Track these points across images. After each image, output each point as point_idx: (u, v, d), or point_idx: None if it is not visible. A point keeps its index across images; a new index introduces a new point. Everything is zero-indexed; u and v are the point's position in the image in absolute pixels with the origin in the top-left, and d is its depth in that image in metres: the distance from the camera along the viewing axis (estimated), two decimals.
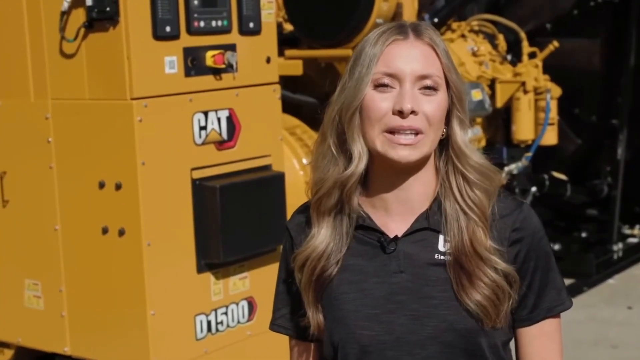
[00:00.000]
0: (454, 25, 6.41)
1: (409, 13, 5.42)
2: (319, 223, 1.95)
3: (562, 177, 6.93)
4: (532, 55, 6.39)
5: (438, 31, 1.98)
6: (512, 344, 1.99)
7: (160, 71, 3.81)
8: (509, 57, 6.52)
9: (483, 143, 6.23)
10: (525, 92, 6.21)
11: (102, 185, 3.84)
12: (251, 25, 4.11)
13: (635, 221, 7.63)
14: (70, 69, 3.90)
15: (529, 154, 6.26)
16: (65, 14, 3.85)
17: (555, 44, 6.26)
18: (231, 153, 4.07)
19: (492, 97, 6.20)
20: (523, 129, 6.26)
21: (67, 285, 4.05)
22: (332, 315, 1.94)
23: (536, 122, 6.28)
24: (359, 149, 1.89)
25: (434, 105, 1.87)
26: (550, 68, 6.33)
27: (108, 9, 3.71)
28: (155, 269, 3.81)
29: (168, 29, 3.80)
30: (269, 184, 4.17)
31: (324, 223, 1.95)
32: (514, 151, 6.33)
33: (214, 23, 3.98)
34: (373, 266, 1.92)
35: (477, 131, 6.13)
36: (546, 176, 6.67)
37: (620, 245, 7.09)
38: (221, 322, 4.07)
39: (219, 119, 4.02)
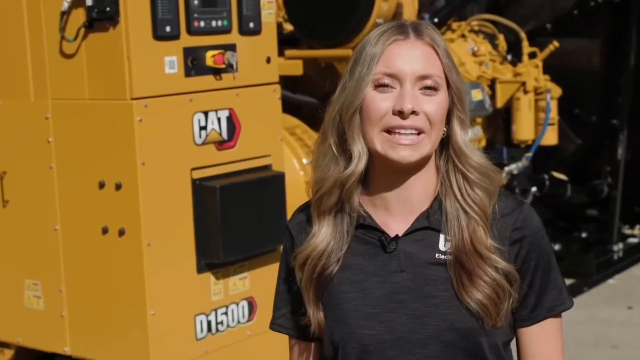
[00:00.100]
0: (454, 25, 6.41)
1: (409, 13, 5.42)
2: (320, 222, 1.95)
3: (562, 177, 6.93)
4: (532, 55, 6.39)
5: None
6: (513, 345, 1.99)
7: (160, 71, 3.81)
8: (509, 57, 6.52)
9: (483, 143, 6.23)
10: (526, 92, 6.21)
11: (102, 185, 3.84)
12: (251, 25, 4.11)
13: (635, 221, 7.63)
14: (70, 69, 3.90)
15: (529, 154, 6.26)
16: (65, 14, 3.85)
17: (556, 44, 6.26)
18: (231, 153, 4.07)
19: (492, 97, 6.20)
20: (523, 129, 6.26)
21: (67, 285, 4.05)
22: (332, 314, 1.94)
23: (536, 122, 6.28)
24: (359, 149, 1.89)
25: (434, 105, 1.87)
26: (551, 68, 6.33)
27: (108, 9, 3.71)
28: (155, 269, 3.81)
29: (168, 29, 3.80)
30: (269, 184, 4.17)
31: (324, 222, 1.95)
32: (514, 151, 6.33)
33: (214, 23, 3.97)
34: (374, 265, 1.93)
35: (478, 131, 6.14)
36: (546, 176, 6.67)
37: (620, 245, 7.09)
38: (221, 322, 4.07)
39: (219, 119, 4.02)
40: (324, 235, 1.94)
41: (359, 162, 1.90)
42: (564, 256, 6.81)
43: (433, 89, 1.88)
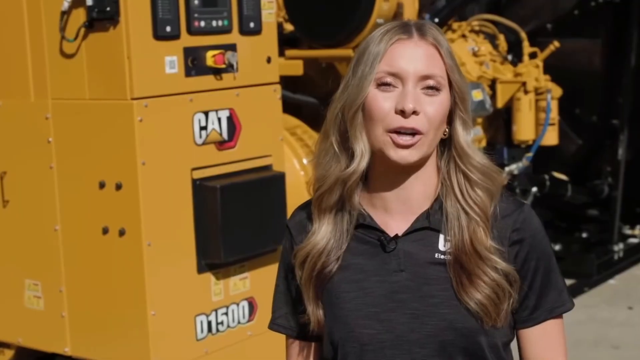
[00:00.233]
0: (455, 25, 6.41)
1: (410, 13, 5.42)
2: (320, 220, 1.96)
3: (563, 177, 6.93)
4: (532, 56, 6.38)
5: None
6: (514, 346, 1.98)
7: (161, 71, 3.80)
8: (509, 57, 6.51)
9: (484, 143, 6.22)
10: (526, 92, 6.20)
11: (102, 185, 3.84)
12: (252, 25, 4.11)
13: (636, 221, 7.63)
14: (71, 69, 3.90)
15: (530, 154, 6.26)
16: (65, 14, 3.85)
17: (556, 44, 6.26)
18: (232, 153, 4.07)
19: (493, 97, 6.20)
20: (524, 129, 6.26)
21: (67, 285, 4.04)
22: (332, 313, 1.94)
23: (537, 123, 6.28)
24: (361, 147, 1.89)
25: (435, 105, 1.87)
26: (551, 68, 6.33)
27: (108, 8, 3.70)
28: (155, 269, 3.80)
29: (168, 28, 3.80)
30: (270, 184, 4.17)
31: (324, 220, 1.95)
32: (515, 151, 6.33)
33: (214, 23, 3.97)
34: (373, 265, 1.93)
35: (478, 131, 6.13)
36: (547, 176, 6.66)
37: (621, 245, 7.08)
38: (221, 323, 4.07)
39: (219, 119, 4.02)
40: (324, 233, 1.94)
41: (361, 161, 1.90)
42: (564, 256, 6.80)
43: (435, 89, 1.88)
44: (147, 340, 3.80)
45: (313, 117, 5.15)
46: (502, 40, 6.51)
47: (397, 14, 5.31)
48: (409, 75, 1.86)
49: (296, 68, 5.43)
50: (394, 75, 1.87)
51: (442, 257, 1.90)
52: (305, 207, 2.04)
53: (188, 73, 3.89)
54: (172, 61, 3.84)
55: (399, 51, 1.88)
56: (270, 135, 4.25)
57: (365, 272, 1.93)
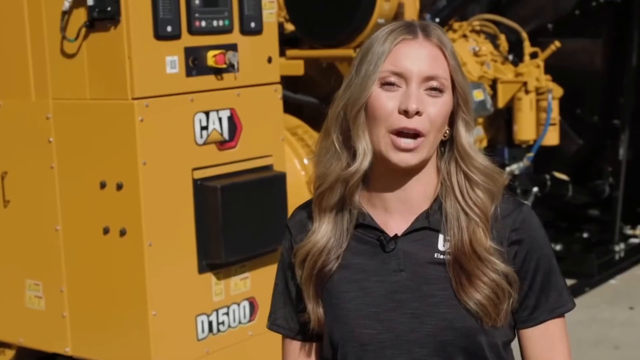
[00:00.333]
0: (456, 25, 6.41)
1: (411, 13, 5.41)
2: (321, 218, 1.96)
3: (564, 177, 6.93)
4: (533, 56, 6.38)
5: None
6: (515, 346, 1.98)
7: (162, 71, 3.80)
8: (510, 57, 6.52)
9: (485, 143, 6.22)
10: (527, 92, 6.21)
11: (103, 185, 3.84)
12: (252, 25, 4.11)
13: (637, 221, 7.62)
14: (72, 69, 3.90)
15: (531, 154, 6.26)
16: (66, 14, 3.85)
17: (557, 44, 6.26)
18: (232, 153, 4.07)
19: (494, 97, 6.20)
20: (525, 129, 6.26)
21: (68, 285, 4.04)
22: (332, 313, 1.94)
23: (538, 123, 6.28)
24: (363, 146, 1.89)
25: (438, 107, 1.88)
26: (552, 68, 6.33)
27: (109, 8, 3.70)
28: (156, 269, 3.80)
29: (169, 28, 3.80)
30: (271, 184, 4.17)
31: (325, 218, 1.95)
32: (516, 151, 6.33)
33: (215, 23, 3.97)
34: (373, 265, 1.93)
35: (479, 131, 6.13)
36: (548, 176, 6.66)
37: (622, 245, 7.08)
38: (222, 323, 4.07)
39: (220, 119, 4.01)
40: (325, 231, 1.95)
41: (364, 160, 1.89)
42: (565, 256, 6.80)
43: (438, 90, 1.88)
44: (148, 340, 3.80)
45: (314, 117, 5.15)
46: (503, 40, 6.51)
47: (398, 14, 5.31)
48: (413, 76, 1.86)
49: (297, 68, 5.43)
50: (398, 75, 1.87)
51: (442, 257, 1.90)
52: (305, 207, 2.04)
53: (189, 73, 3.89)
54: (173, 61, 3.83)
55: (404, 51, 1.88)
56: (271, 135, 4.25)
57: (365, 272, 1.93)
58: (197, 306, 3.97)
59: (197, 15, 3.89)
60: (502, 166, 6.09)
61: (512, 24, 6.49)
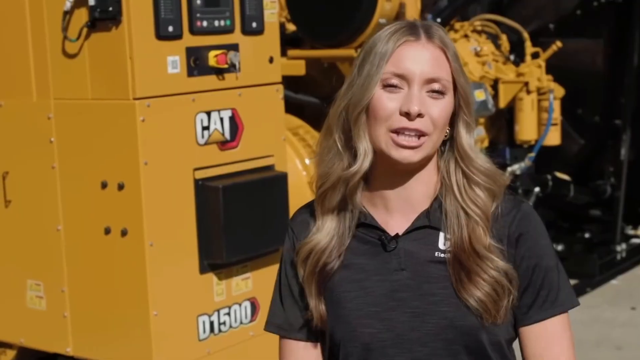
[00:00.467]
0: (457, 25, 6.41)
1: (412, 13, 5.41)
2: (323, 217, 1.97)
3: (565, 177, 6.92)
4: (535, 56, 6.38)
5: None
6: (516, 345, 1.98)
7: (163, 71, 3.80)
8: (512, 57, 6.51)
9: (486, 143, 6.22)
10: (528, 92, 6.20)
11: (104, 185, 3.84)
12: (254, 25, 4.11)
13: (638, 222, 7.62)
14: (73, 69, 3.90)
15: (532, 155, 6.25)
16: (67, 14, 3.85)
17: (559, 44, 6.25)
18: (234, 153, 4.07)
19: (495, 97, 6.20)
20: (526, 129, 6.26)
21: (69, 285, 4.04)
22: (334, 313, 1.95)
23: (539, 123, 6.28)
24: (364, 147, 1.90)
25: (440, 108, 1.89)
26: (554, 68, 6.33)
27: (111, 8, 3.70)
28: (157, 269, 3.80)
29: (171, 28, 3.79)
30: (272, 184, 4.16)
31: (327, 217, 1.96)
32: (517, 151, 6.33)
33: (216, 23, 3.97)
34: (374, 264, 1.94)
35: (480, 132, 6.13)
36: (549, 177, 6.66)
37: (623, 245, 7.07)
38: (224, 323, 4.06)
39: (221, 119, 4.01)
40: (327, 230, 1.96)
41: (365, 160, 1.90)
42: (567, 257, 6.80)
43: (440, 92, 1.89)
44: (150, 340, 3.80)
45: (315, 117, 5.15)
46: (504, 40, 6.51)
47: (400, 14, 5.31)
48: (415, 78, 1.87)
49: (298, 68, 5.43)
50: (400, 76, 1.88)
51: (442, 255, 1.91)
52: (307, 207, 2.05)
53: (190, 73, 3.89)
54: (174, 61, 3.83)
55: (406, 53, 1.88)
56: (273, 135, 4.25)
57: (366, 271, 1.94)
58: (199, 306, 3.97)
59: (198, 15, 3.89)
60: (504, 166, 6.09)
61: (514, 24, 6.49)
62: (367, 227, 1.96)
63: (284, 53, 5.13)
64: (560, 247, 6.97)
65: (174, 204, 3.86)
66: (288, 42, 5.46)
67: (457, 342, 1.88)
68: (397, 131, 1.86)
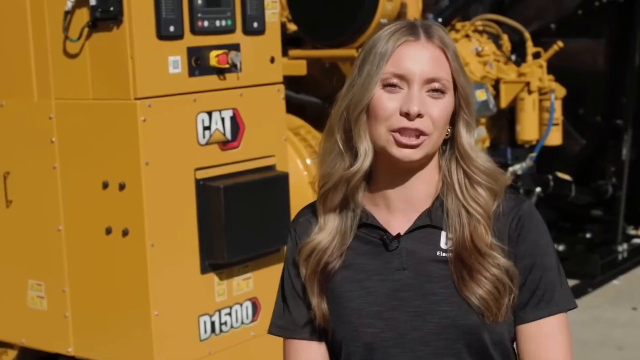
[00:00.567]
0: (458, 25, 6.41)
1: (413, 13, 5.41)
2: (325, 217, 1.98)
3: (567, 177, 6.92)
4: (536, 56, 6.38)
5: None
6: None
7: (164, 71, 3.80)
8: (513, 57, 6.51)
9: (487, 143, 6.22)
10: (530, 92, 6.20)
11: (105, 186, 3.83)
12: (255, 25, 4.10)
13: None
14: (74, 69, 3.90)
15: (533, 155, 6.25)
16: (68, 14, 3.85)
17: (560, 44, 6.25)
18: (235, 153, 4.06)
19: (497, 97, 6.19)
20: (527, 129, 6.25)
21: (70, 285, 4.04)
22: (335, 313, 1.95)
23: (540, 123, 6.27)
24: (365, 147, 1.91)
25: (440, 108, 1.89)
26: (555, 68, 6.32)
27: (112, 8, 3.70)
28: (159, 269, 3.80)
29: (172, 28, 3.79)
30: (273, 184, 4.16)
31: (329, 217, 1.97)
32: (518, 151, 6.32)
33: (217, 23, 3.97)
34: (376, 264, 1.94)
35: (482, 131, 6.13)
36: (550, 177, 6.66)
37: (625, 246, 7.07)
38: (225, 323, 4.06)
39: (222, 119, 4.01)
40: (329, 230, 1.96)
41: (365, 160, 1.91)
42: (568, 257, 6.79)
43: (440, 91, 1.90)
44: (151, 340, 3.80)
45: (316, 117, 5.15)
46: (505, 40, 6.51)
47: (401, 13, 5.31)
48: (415, 78, 1.88)
49: (300, 68, 5.43)
50: (400, 76, 1.88)
51: (444, 254, 1.92)
52: (309, 208, 2.06)
53: (191, 73, 3.89)
54: (175, 61, 3.83)
55: (406, 53, 1.89)
56: (274, 135, 4.25)
57: (367, 271, 1.95)
58: (200, 306, 3.97)
59: (199, 15, 3.89)
60: (505, 166, 6.09)
61: (515, 24, 6.49)
62: (369, 227, 1.96)
63: (285, 53, 5.13)
64: (561, 247, 6.97)
65: (175, 204, 3.85)
66: (289, 42, 5.46)
67: (459, 342, 1.88)
68: (398, 131, 1.87)
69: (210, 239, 3.94)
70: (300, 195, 4.49)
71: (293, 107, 5.12)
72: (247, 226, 4.00)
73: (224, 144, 4.02)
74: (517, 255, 1.92)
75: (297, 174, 4.86)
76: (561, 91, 6.32)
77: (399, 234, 1.94)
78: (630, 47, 6.81)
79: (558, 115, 6.26)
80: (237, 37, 4.05)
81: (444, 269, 1.90)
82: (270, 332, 2.08)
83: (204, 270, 3.97)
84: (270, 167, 4.21)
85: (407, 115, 1.86)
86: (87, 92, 3.88)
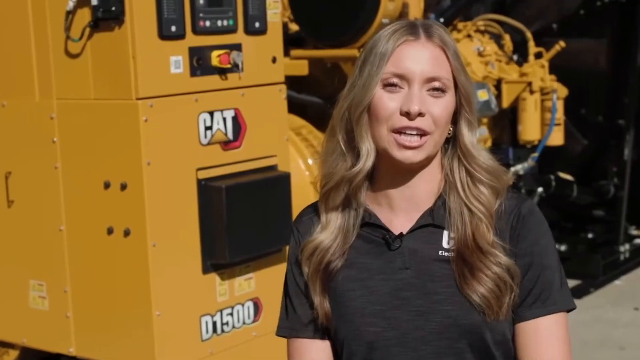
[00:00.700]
0: (460, 25, 6.40)
1: (415, 13, 5.41)
2: (327, 215, 1.98)
3: (569, 177, 6.91)
4: (538, 56, 6.37)
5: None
6: None
7: (166, 71, 3.80)
8: (515, 57, 6.50)
9: (489, 143, 6.21)
10: (532, 92, 6.19)
11: (107, 186, 3.83)
12: (257, 25, 4.10)
13: None
14: (76, 69, 3.90)
15: (535, 155, 6.24)
16: (70, 14, 3.85)
17: (562, 44, 6.24)
18: (237, 153, 4.06)
19: (498, 97, 6.19)
20: (529, 130, 6.25)
21: (72, 285, 4.04)
22: (338, 312, 1.96)
23: (542, 123, 6.26)
24: (366, 147, 1.92)
25: (441, 107, 1.90)
26: (557, 68, 6.32)
27: (113, 8, 3.70)
28: (160, 269, 3.80)
29: (173, 28, 3.79)
30: (275, 184, 4.16)
31: (331, 216, 1.98)
32: (520, 151, 6.32)
33: (219, 23, 3.97)
34: (378, 263, 1.95)
35: (483, 131, 6.13)
36: (552, 177, 6.65)
37: (626, 246, 7.06)
38: (226, 323, 4.06)
39: (224, 119, 4.01)
40: (332, 228, 1.97)
41: (367, 160, 1.92)
42: (570, 257, 6.79)
43: (441, 90, 1.90)
44: (152, 340, 3.80)
45: (318, 117, 5.15)
46: (507, 40, 6.50)
47: (403, 13, 5.30)
48: (415, 77, 1.88)
49: (301, 68, 5.43)
50: (400, 76, 1.89)
51: (446, 254, 1.92)
52: (311, 207, 2.06)
53: (193, 73, 3.88)
54: (177, 61, 3.83)
55: (406, 52, 1.89)
56: (276, 135, 4.25)
57: (370, 270, 1.95)
58: (201, 306, 3.97)
59: (201, 15, 3.89)
60: (507, 166, 6.05)
61: (517, 24, 6.48)
62: (371, 226, 1.97)
63: (286, 53, 5.12)
64: (563, 248, 6.96)
65: (176, 204, 3.85)
66: (291, 42, 5.46)
67: (461, 341, 1.89)
68: (399, 131, 1.88)
69: (212, 239, 3.94)
70: (302, 195, 4.49)
71: (295, 107, 5.12)
72: (249, 226, 4.00)
73: (226, 144, 4.02)
74: (518, 253, 1.92)
75: (298, 174, 4.85)
76: (563, 91, 6.31)
77: (401, 233, 1.94)
78: (632, 47, 6.80)
79: (560, 115, 6.26)
80: (239, 37, 4.05)
81: (446, 268, 1.91)
82: (278, 334, 2.08)
83: (205, 270, 3.97)
84: (272, 167, 4.21)
85: (407, 114, 1.86)
86: (88, 92, 3.88)
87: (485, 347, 1.90)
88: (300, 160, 5.01)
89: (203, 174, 3.94)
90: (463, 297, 1.88)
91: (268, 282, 4.14)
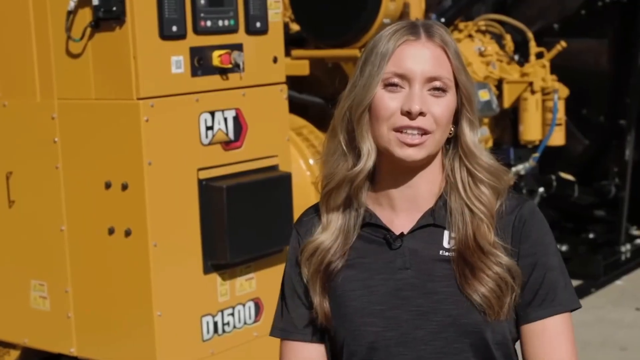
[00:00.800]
0: (461, 25, 6.40)
1: (416, 13, 5.41)
2: (328, 216, 1.98)
3: (570, 177, 6.91)
4: (539, 56, 6.37)
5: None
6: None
7: (167, 71, 3.80)
8: (516, 57, 6.50)
9: (490, 143, 6.21)
10: (533, 92, 6.19)
11: (108, 186, 3.83)
12: (258, 25, 4.10)
13: None
14: (77, 69, 3.90)
15: (537, 155, 6.24)
16: (71, 14, 3.85)
17: (563, 44, 6.24)
18: (238, 153, 4.06)
19: (500, 97, 6.18)
20: (530, 130, 6.25)
21: (73, 286, 4.04)
22: (338, 312, 1.95)
23: (543, 123, 6.26)
24: (367, 147, 1.92)
25: (442, 106, 1.90)
26: (558, 68, 6.31)
27: (114, 8, 3.70)
28: (161, 269, 3.80)
29: (174, 28, 3.79)
30: (276, 184, 4.16)
31: (332, 216, 1.98)
32: (521, 152, 6.31)
33: (220, 23, 3.96)
34: (379, 263, 1.95)
35: (485, 132, 6.12)
36: (553, 177, 6.64)
37: (628, 246, 7.05)
38: (227, 323, 4.06)
39: (225, 119, 4.01)
40: (333, 229, 1.97)
41: (368, 160, 1.92)
42: (571, 257, 6.78)
43: (442, 90, 1.90)
44: (153, 340, 3.80)
45: (319, 118, 5.15)
46: (508, 40, 6.50)
47: (404, 13, 5.30)
48: (416, 77, 1.89)
49: (302, 68, 5.43)
50: (401, 76, 1.89)
51: (447, 254, 1.92)
52: (313, 209, 2.07)
53: (194, 73, 3.88)
54: (178, 61, 3.83)
55: (407, 52, 1.90)
56: (277, 135, 4.24)
57: (370, 270, 1.95)
58: (202, 307, 3.96)
59: (202, 15, 3.89)
60: (508, 166, 6.03)
61: (518, 24, 6.48)
62: (372, 226, 1.97)
63: (287, 53, 5.12)
64: (564, 248, 6.96)
65: (177, 204, 3.85)
66: (292, 42, 5.46)
67: (461, 341, 1.89)
68: (400, 130, 1.88)
69: (212, 239, 3.94)
70: (303, 195, 4.49)
71: (296, 107, 5.11)
72: (250, 226, 4.00)
73: (227, 144, 4.02)
74: (520, 254, 1.92)
75: (299, 174, 4.85)
76: (564, 91, 6.31)
77: (402, 233, 1.94)
78: (634, 47, 6.80)
79: (561, 115, 6.25)
80: (240, 37, 4.05)
81: (446, 268, 1.91)
82: (271, 334, 2.08)
83: (206, 270, 3.97)
84: (273, 167, 4.20)
85: (408, 114, 1.87)
86: (89, 92, 3.88)
87: (486, 347, 1.89)
88: (301, 160, 5.01)
89: (204, 174, 3.94)
90: (464, 296, 1.88)
91: (269, 282, 4.14)
